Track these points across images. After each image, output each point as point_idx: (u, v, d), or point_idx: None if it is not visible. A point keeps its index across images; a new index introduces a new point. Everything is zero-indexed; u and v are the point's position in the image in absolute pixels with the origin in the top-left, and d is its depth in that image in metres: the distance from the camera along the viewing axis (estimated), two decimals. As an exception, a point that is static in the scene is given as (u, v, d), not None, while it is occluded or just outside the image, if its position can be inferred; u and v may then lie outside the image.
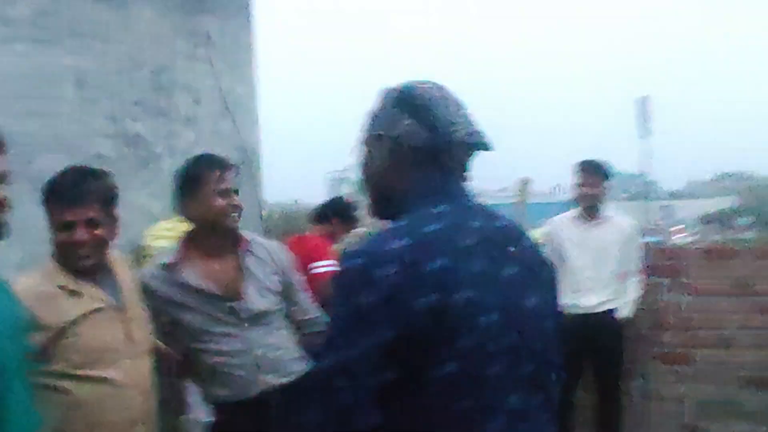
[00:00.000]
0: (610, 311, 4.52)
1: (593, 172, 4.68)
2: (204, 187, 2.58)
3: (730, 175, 76.50)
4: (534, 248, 1.61)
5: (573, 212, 4.75)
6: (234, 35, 5.31)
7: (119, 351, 2.23)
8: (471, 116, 1.53)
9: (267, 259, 2.71)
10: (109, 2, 4.49)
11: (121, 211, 4.41)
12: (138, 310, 2.38)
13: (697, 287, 4.65)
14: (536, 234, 5.00)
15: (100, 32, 4.43)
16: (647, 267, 4.67)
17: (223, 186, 2.59)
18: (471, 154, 1.54)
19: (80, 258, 2.24)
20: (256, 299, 2.62)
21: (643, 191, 47.89)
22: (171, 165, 4.58)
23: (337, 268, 1.50)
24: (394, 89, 1.55)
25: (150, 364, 2.36)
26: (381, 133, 1.53)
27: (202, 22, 5.08)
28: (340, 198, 5.02)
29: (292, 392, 2.50)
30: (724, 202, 55.35)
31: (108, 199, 2.36)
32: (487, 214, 1.52)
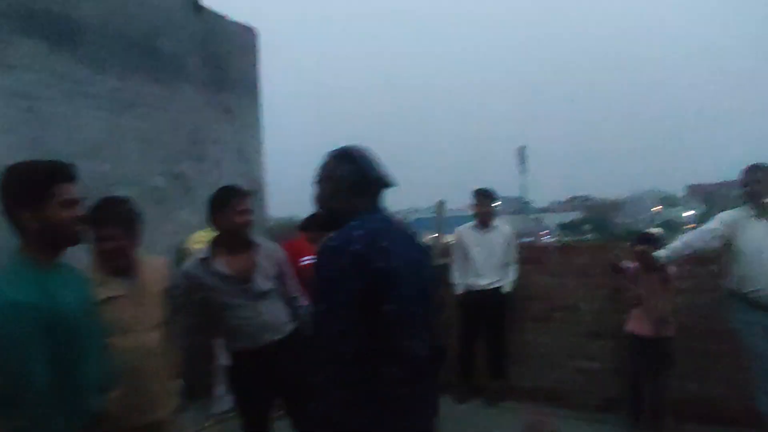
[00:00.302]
0: (497, 288, 4.57)
1: (485, 196, 4.78)
2: (228, 208, 2.59)
3: (578, 197, 77.85)
4: (420, 242, 1.82)
5: (473, 223, 4.79)
6: (247, 105, 5.33)
7: (130, 326, 2.15)
8: (383, 165, 1.73)
9: (270, 256, 2.72)
10: (161, 82, 4.48)
11: (170, 223, 4.41)
12: (152, 298, 2.28)
13: (553, 271, 4.67)
14: (449, 238, 5.06)
15: (155, 103, 4.41)
16: (521, 258, 4.72)
17: (240, 207, 2.61)
18: (384, 188, 1.73)
19: (107, 259, 2.19)
20: (261, 282, 2.63)
21: (520, 208, 48.70)
22: (204, 193, 4.58)
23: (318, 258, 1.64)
24: (339, 148, 1.72)
25: (158, 335, 2.26)
26: (331, 175, 1.70)
27: (225, 97, 5.09)
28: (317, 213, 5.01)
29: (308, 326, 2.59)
30: (574, 215, 56.37)
31: (128, 219, 2.26)
32: (396, 221, 1.74)
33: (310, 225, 4.08)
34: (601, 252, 4.49)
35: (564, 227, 49.02)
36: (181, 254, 4.05)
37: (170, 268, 2.57)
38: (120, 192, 3.95)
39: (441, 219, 5.16)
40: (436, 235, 5.07)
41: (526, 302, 4.71)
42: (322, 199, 1.74)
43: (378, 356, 1.49)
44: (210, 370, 4.08)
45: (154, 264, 2.42)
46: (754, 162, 3.41)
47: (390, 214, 1.74)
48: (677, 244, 3.50)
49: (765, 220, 3.28)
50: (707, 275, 3.97)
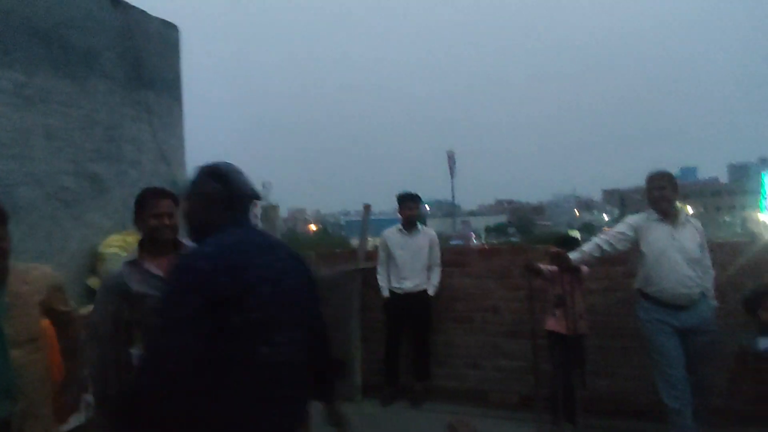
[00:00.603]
0: (422, 290, 4.61)
1: (410, 200, 4.81)
2: (144, 210, 2.48)
3: (504, 201, 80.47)
4: (291, 252, 1.82)
5: (398, 226, 4.81)
6: (167, 103, 5.10)
7: None
8: (250, 180, 1.80)
9: None
10: (73, 78, 4.21)
11: (81, 227, 4.15)
12: (23, 310, 2.10)
13: (475, 273, 4.75)
14: (375, 242, 5.06)
15: (66, 99, 4.14)
16: (445, 261, 4.76)
17: (156, 210, 2.48)
18: (251, 202, 1.79)
19: None
20: None
21: (450, 211, 49.83)
22: (120, 194, 4.35)
23: None
24: (207, 166, 1.77)
25: (27, 352, 2.09)
26: (199, 191, 1.75)
27: (144, 95, 4.86)
28: None
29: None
30: (500, 219, 58.30)
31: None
32: (261, 234, 1.78)
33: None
34: (519, 254, 4.61)
35: (490, 230, 50.54)
36: (94, 259, 3.82)
37: (78, 274, 2.41)
38: (25, 192, 3.69)
39: (367, 222, 5.15)
40: (362, 238, 5.06)
41: (449, 304, 4.77)
42: (190, 214, 1.78)
43: (229, 364, 1.52)
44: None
45: (32, 273, 2.22)
46: (658, 169, 3.61)
47: (256, 228, 1.80)
48: (589, 246, 3.65)
49: (668, 224, 3.47)
50: (618, 276, 4.17)
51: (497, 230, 49.52)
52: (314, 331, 1.81)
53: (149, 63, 4.95)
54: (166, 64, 5.14)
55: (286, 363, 1.64)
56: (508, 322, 4.60)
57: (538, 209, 63.58)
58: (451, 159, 45.35)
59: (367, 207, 5.18)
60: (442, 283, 4.68)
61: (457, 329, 4.77)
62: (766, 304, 3.12)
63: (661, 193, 3.49)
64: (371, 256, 5.02)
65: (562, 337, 3.95)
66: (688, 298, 3.35)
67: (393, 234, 4.80)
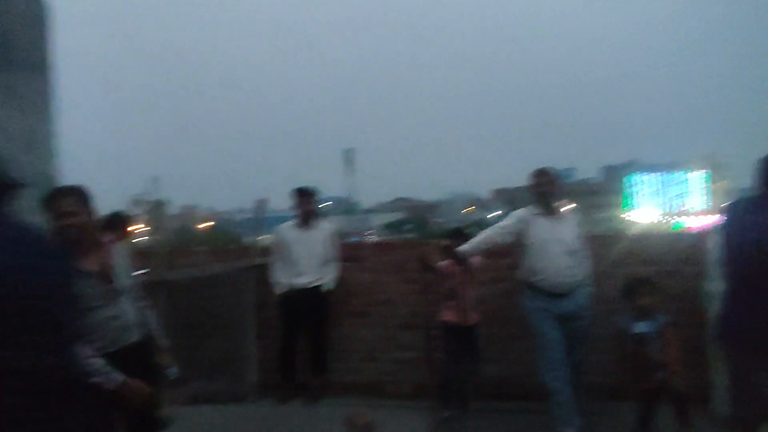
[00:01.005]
0: (318, 286, 4.55)
1: (305, 195, 4.72)
2: (50, 211, 2.38)
3: (401, 198, 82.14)
4: (51, 249, 1.66)
5: (294, 221, 4.72)
6: (38, 87, 4.63)
7: None
8: (9, 166, 1.65)
9: (123, 254, 2.66)
10: None
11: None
12: None
13: (371, 268, 4.78)
14: (270, 237, 4.92)
15: None
16: (342, 256, 4.74)
17: (59, 210, 2.38)
18: (8, 191, 1.59)
19: None
20: (122, 280, 2.57)
21: (347, 208, 50.13)
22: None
23: None
24: None
25: None
26: None
27: (10, 77, 4.37)
28: (117, 212, 4.54)
29: None
30: (397, 216, 59.50)
31: None
32: (16, 227, 1.58)
33: (112, 223, 3.69)
34: (414, 249, 4.69)
35: (388, 227, 51.43)
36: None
37: None
38: None
39: (261, 218, 5.01)
40: (256, 234, 4.91)
41: (346, 298, 4.76)
42: None
43: None
44: None
45: None
46: (541, 166, 3.83)
47: (12, 220, 1.61)
48: (478, 239, 3.79)
49: (549, 218, 3.69)
50: (503, 267, 4.37)
51: (394, 227, 50.50)
52: (61, 335, 1.60)
53: (14, 41, 4.45)
54: (33, 42, 4.65)
55: (31, 369, 1.46)
56: (404, 314, 4.67)
57: (433, 207, 65.68)
58: (349, 156, 45.64)
59: (260, 202, 5.04)
60: (339, 278, 4.65)
61: (353, 323, 4.77)
62: (643, 291, 3.39)
63: (543, 189, 3.71)
64: (267, 252, 4.88)
65: (455, 327, 4.07)
66: (567, 286, 3.59)
67: (288, 229, 4.69)
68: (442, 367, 4.20)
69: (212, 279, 4.57)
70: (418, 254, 4.32)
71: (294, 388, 4.61)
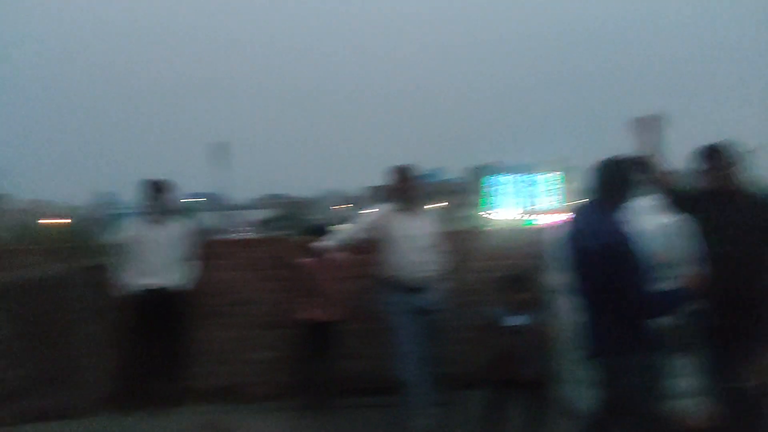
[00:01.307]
0: (173, 286, 4.24)
1: (158, 190, 4.37)
2: None
3: (276, 195, 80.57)
4: None
5: (145, 217, 4.36)
6: None
7: None
8: None
9: None
10: None
11: None
12: None
13: (232, 266, 4.56)
14: (120, 235, 4.48)
15: None
16: (200, 254, 4.46)
17: None
18: None
19: None
20: None
21: (219, 205, 48.13)
22: None
23: None
24: None
25: None
26: None
27: None
28: None
29: None
30: (271, 212, 58.29)
31: None
32: None
33: None
34: (274, 246, 4.58)
35: (264, 223, 50.25)
36: None
37: None
38: None
39: (114, 214, 4.56)
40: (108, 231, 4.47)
41: (204, 299, 4.48)
42: None
43: None
44: None
45: None
46: (399, 164, 3.88)
47: None
48: (341, 234, 3.77)
49: (408, 214, 3.75)
50: (364, 263, 4.37)
51: (268, 224, 49.47)
52: None
53: None
54: None
55: None
56: (264, 313, 4.52)
57: (308, 203, 65.38)
58: (223, 151, 43.84)
59: (101, 196, 4.58)
60: (196, 276, 4.38)
61: (212, 325, 4.51)
62: (518, 287, 3.47)
63: (402, 185, 3.77)
64: (113, 250, 4.46)
65: (316, 324, 4.02)
66: (423, 281, 3.67)
67: (138, 226, 4.34)
68: (304, 365, 4.12)
69: (46, 281, 4.08)
70: (279, 251, 4.20)
71: (142, 397, 4.25)
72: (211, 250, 4.61)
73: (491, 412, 3.55)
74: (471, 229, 7.29)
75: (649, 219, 2.75)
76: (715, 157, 2.87)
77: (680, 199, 3.02)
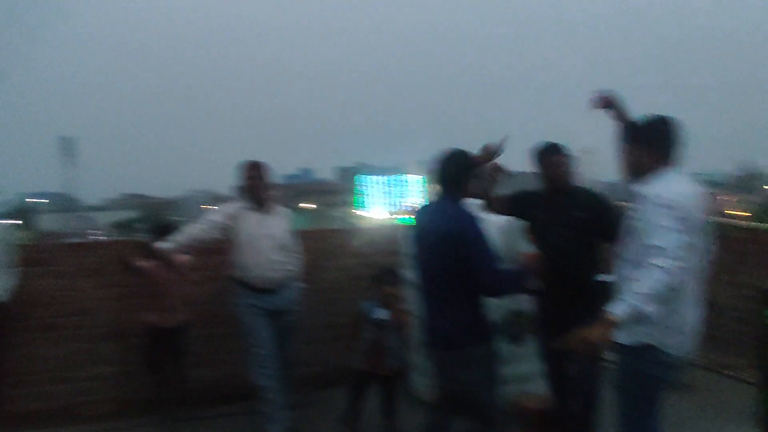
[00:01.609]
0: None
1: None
2: None
3: (134, 195, 75.35)
4: None
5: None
6: None
7: None
8: None
9: None
10: None
11: None
12: None
13: (62, 273, 4.05)
14: None
15: None
16: (20, 260, 3.84)
17: None
18: None
19: None
20: None
21: (67, 205, 43.73)
22: None
23: None
24: None
25: None
26: None
27: None
28: None
29: None
30: (130, 214, 54.05)
31: None
32: None
33: None
34: (112, 249, 4.14)
35: (117, 225, 46.46)
36: None
37: None
38: None
39: None
40: None
41: (28, 311, 3.94)
42: None
43: None
44: None
45: None
46: (250, 159, 3.67)
47: None
48: (182, 235, 3.49)
49: (259, 212, 3.57)
50: (216, 265, 4.12)
51: (125, 225, 45.76)
52: None
53: None
54: None
55: None
56: (102, 323, 4.07)
57: (170, 204, 61.56)
58: (69, 147, 39.69)
59: None
60: (15, 286, 3.80)
61: (38, 340, 3.98)
62: (387, 281, 3.47)
63: (253, 182, 3.57)
64: None
65: (159, 330, 3.72)
66: (277, 281, 3.52)
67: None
68: (150, 376, 3.79)
69: None
70: (117, 254, 3.81)
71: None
72: (34, 255, 4.06)
73: (351, 406, 3.52)
74: (336, 228, 7.25)
75: (485, 218, 2.85)
76: (546, 155, 3.06)
77: (516, 197, 3.19)
